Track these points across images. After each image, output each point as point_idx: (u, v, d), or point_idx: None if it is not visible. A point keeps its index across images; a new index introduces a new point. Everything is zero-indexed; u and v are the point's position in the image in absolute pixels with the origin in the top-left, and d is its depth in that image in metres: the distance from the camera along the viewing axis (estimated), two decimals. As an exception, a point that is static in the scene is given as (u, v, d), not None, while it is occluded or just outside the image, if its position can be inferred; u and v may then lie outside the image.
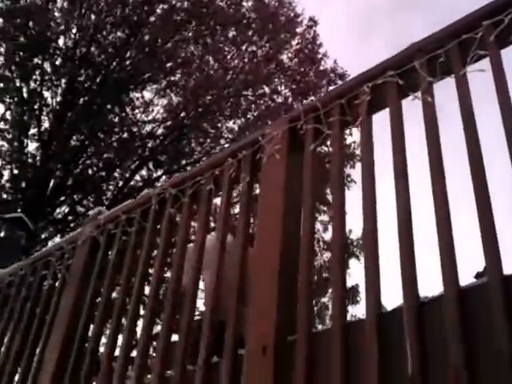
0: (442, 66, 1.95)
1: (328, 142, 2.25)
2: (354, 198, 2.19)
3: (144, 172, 13.40)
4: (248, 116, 12.87)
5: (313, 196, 2.05)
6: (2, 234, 8.33)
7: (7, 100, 12.76)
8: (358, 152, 11.63)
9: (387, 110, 2.06)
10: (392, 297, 1.92)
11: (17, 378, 2.85)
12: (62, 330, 2.67)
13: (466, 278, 1.61)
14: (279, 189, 2.19)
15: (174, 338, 2.36)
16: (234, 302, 2.07)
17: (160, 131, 13.42)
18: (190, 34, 13.04)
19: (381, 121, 2.14)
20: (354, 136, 10.27)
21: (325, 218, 11.48)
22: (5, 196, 12.27)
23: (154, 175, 13.01)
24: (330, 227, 11.40)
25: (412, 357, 1.48)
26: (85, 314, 2.67)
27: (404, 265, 1.65)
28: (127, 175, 13.13)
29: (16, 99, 12.69)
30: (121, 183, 13.04)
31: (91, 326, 2.66)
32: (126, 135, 13.00)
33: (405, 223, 1.71)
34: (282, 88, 13.18)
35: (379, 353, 1.56)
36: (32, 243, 8.05)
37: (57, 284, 3.03)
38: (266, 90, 13.09)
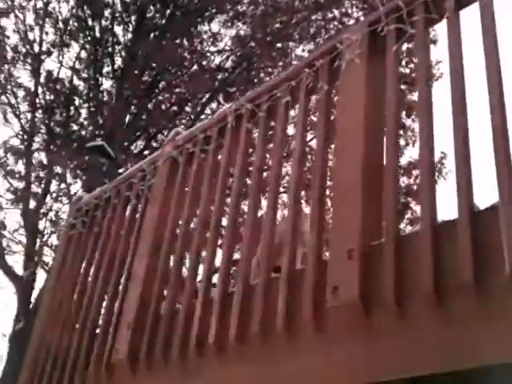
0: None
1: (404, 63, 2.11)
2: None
3: (214, 105, 13.41)
4: (317, 40, 12.45)
5: (398, 97, 1.96)
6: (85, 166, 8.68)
7: (81, 40, 13.00)
8: (433, 71, 11.07)
9: (476, 4, 1.92)
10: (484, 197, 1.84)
11: (108, 291, 3.00)
12: (149, 242, 2.77)
13: None
14: (360, 95, 2.11)
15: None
16: (315, 213, 2.06)
17: (229, 64, 13.30)
18: (257, -42, 12.61)
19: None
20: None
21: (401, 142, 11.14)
22: (83, 133, 12.71)
23: (225, 108, 12.99)
24: (405, 151, 11.09)
25: (509, 254, 1.42)
26: (169, 231, 2.75)
27: (499, 164, 1.56)
28: (198, 109, 13.19)
29: (89, 38, 12.91)
30: (192, 117, 13.13)
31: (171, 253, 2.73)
32: (195, 68, 12.98)
33: (500, 119, 1.61)
34: (353, 10, 12.59)
35: (473, 252, 1.50)
36: (114, 171, 8.35)
37: (140, 204, 3.12)
38: (336, 13, 12.55)
